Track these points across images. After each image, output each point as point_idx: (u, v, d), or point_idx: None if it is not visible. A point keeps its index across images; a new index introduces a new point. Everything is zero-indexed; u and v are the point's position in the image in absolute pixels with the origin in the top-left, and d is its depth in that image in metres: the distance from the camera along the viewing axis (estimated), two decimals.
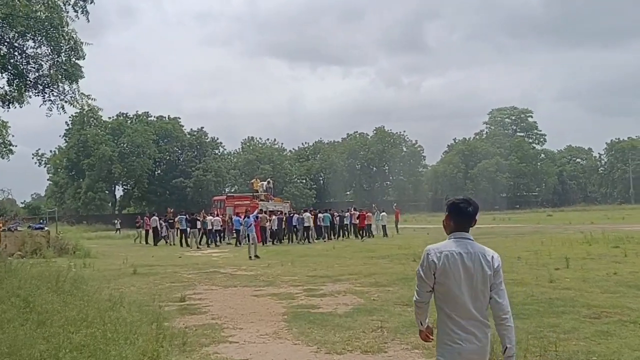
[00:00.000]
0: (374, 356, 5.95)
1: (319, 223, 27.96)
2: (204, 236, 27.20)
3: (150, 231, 29.56)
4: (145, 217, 32.32)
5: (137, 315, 7.32)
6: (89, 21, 11.07)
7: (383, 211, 31.24)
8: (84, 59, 11.49)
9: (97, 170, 63.79)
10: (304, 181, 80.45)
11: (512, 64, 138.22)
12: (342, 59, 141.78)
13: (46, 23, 10.67)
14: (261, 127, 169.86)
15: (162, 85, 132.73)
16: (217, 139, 78.29)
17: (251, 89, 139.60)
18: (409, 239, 25.33)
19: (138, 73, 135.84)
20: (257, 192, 34.41)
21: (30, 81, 11.87)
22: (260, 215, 27.11)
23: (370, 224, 29.42)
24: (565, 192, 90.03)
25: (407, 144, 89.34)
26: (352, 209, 30.69)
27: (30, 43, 11.53)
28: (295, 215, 28.70)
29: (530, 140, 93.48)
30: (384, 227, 29.64)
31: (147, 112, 73.58)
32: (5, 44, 11.42)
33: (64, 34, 10.92)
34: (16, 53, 11.61)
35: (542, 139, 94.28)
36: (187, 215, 27.76)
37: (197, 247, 25.44)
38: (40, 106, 12.26)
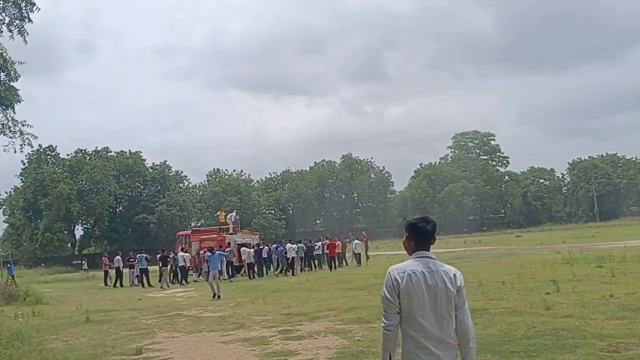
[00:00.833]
0: None
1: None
2: (174, 274, 25.79)
3: (113, 272, 27.79)
4: (103, 257, 30.51)
5: None
6: (26, 43, 9.92)
7: (356, 239, 30.41)
8: (16, 80, 10.24)
9: (55, 210, 61.03)
10: (273, 212, 79.12)
11: (470, 89, 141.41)
12: (305, 89, 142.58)
13: None
14: (227, 159, 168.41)
15: (124, 121, 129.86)
16: (181, 172, 76.64)
17: (215, 121, 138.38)
18: (384, 266, 24.27)
19: (98, 109, 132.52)
20: (225, 224, 33.07)
21: None
22: (227, 250, 25.87)
23: (340, 253, 28.51)
24: (531, 212, 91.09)
25: (374, 170, 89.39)
26: (324, 238, 29.72)
27: None
28: (265, 247, 27.55)
29: (494, 163, 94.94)
30: (357, 255, 28.98)
31: (107, 148, 71.65)
32: None
33: None
34: None
35: (505, 161, 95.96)
36: (146, 254, 26.45)
37: (168, 286, 24.08)
38: None
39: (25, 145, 11.81)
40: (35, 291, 19.90)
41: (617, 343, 6.74)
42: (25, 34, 9.91)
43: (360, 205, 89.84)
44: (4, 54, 9.72)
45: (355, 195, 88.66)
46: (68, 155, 68.19)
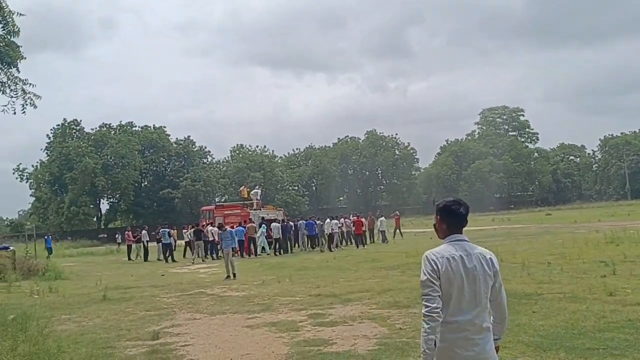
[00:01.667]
0: None
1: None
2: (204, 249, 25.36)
3: (140, 246, 27.44)
4: (127, 232, 30.14)
5: None
6: None
7: (382, 216, 29.60)
8: (17, 34, 9.29)
9: (80, 184, 61.27)
10: (296, 188, 78.37)
11: (494, 65, 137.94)
12: (327, 66, 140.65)
13: None
14: (248, 136, 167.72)
15: (146, 98, 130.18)
16: (205, 147, 76.23)
17: (236, 98, 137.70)
18: (413, 244, 23.30)
19: (121, 86, 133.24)
20: (248, 200, 32.44)
21: None
22: (248, 225, 25.20)
23: (365, 231, 27.74)
24: (560, 190, 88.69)
25: (399, 147, 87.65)
26: (352, 215, 28.92)
27: None
28: (290, 223, 26.83)
29: (523, 139, 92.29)
30: (382, 232, 28.20)
31: (131, 122, 71.39)
32: None
33: None
34: None
35: (534, 138, 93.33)
36: (169, 229, 26.01)
37: (203, 260, 23.75)
38: None
39: (27, 105, 10.87)
40: (55, 265, 19.44)
41: None
42: None
43: (384, 182, 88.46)
44: (2, 3, 8.75)
45: (379, 171, 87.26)
46: (93, 129, 68.27)
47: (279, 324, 8.07)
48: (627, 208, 51.48)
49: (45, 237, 34.50)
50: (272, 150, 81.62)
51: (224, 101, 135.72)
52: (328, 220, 25.94)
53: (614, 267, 11.14)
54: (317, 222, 26.58)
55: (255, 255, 24.35)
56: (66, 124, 66.22)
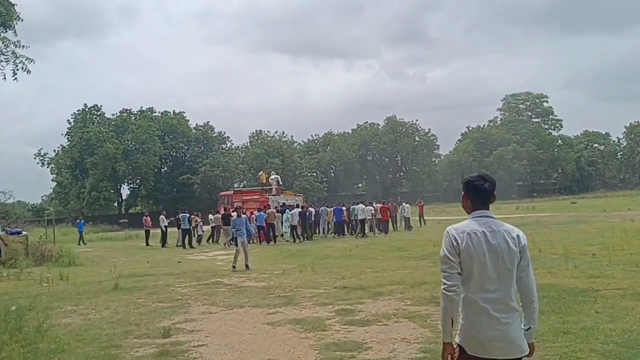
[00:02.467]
0: None
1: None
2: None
3: (157, 232, 26.94)
4: (145, 217, 29.63)
5: None
6: None
7: (407, 203, 28.76)
8: None
9: (100, 169, 61.28)
10: (315, 174, 77.54)
11: (514, 52, 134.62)
12: (345, 53, 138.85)
13: None
14: (267, 122, 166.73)
15: (166, 85, 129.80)
16: (224, 133, 75.70)
17: (255, 85, 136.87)
18: (438, 232, 22.29)
19: (141, 73, 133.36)
20: (267, 185, 31.75)
21: None
22: (268, 211, 24.46)
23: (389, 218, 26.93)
24: (584, 178, 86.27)
25: (419, 133, 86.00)
26: (375, 202, 28.16)
27: None
28: (311, 209, 26.07)
29: (547, 126, 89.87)
30: (407, 219, 27.33)
31: (152, 108, 71.08)
32: None
33: None
34: None
35: (558, 125, 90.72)
36: (189, 215, 25.34)
37: (230, 245, 23.02)
38: None
39: (18, 70, 9.96)
40: (70, 251, 18.89)
41: None
42: None
43: (404, 168, 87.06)
44: None
45: (399, 158, 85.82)
46: (113, 115, 68.19)
47: (304, 322, 7.22)
48: None
49: (77, 220, 34.25)
50: (291, 136, 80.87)
51: (243, 88, 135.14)
52: (361, 205, 25.10)
53: None
54: (343, 208, 25.88)
55: (275, 242, 23.63)
56: (87, 109, 66.22)
